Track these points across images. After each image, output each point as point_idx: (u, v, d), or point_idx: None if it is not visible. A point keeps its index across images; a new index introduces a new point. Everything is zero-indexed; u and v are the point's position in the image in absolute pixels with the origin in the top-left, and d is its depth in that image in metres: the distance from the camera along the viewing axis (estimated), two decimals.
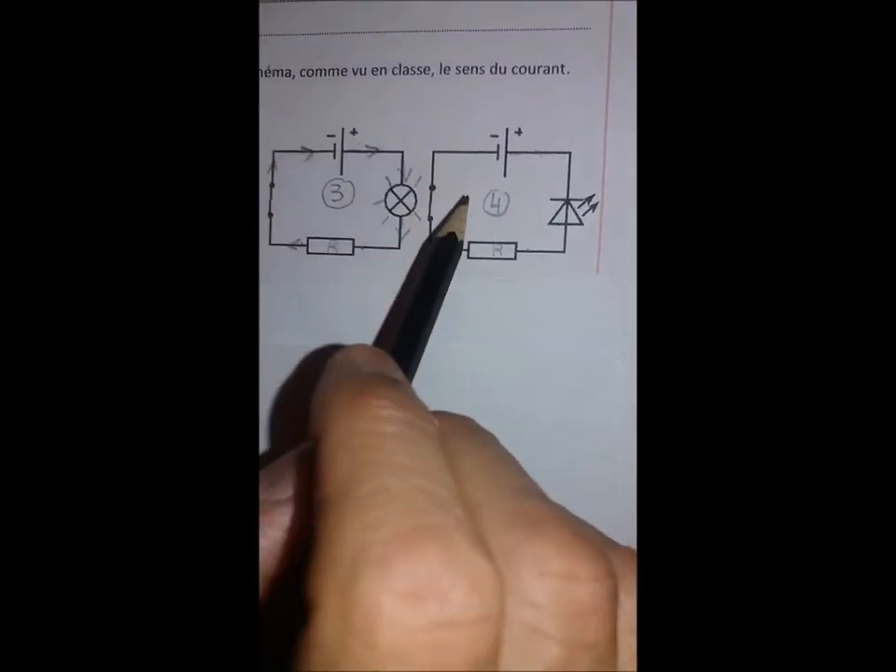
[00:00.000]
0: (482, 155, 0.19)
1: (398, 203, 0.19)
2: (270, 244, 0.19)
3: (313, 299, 0.19)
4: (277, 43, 0.19)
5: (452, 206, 0.19)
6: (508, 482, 0.11)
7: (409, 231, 0.19)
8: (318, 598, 0.09)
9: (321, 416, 0.11)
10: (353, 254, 0.19)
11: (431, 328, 0.17)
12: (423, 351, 0.16)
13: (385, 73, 0.19)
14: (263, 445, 0.20)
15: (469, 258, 0.19)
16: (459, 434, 0.12)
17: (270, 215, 0.19)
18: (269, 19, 0.19)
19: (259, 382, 0.19)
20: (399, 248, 0.19)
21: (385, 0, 0.19)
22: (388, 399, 0.11)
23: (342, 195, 0.19)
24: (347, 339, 0.19)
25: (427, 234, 0.19)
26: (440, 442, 0.11)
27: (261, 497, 0.12)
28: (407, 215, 0.19)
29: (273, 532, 0.12)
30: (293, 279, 0.19)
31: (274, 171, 0.19)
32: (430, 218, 0.19)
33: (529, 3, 0.18)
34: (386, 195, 0.19)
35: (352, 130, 0.19)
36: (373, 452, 0.10)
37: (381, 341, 0.19)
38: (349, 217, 0.19)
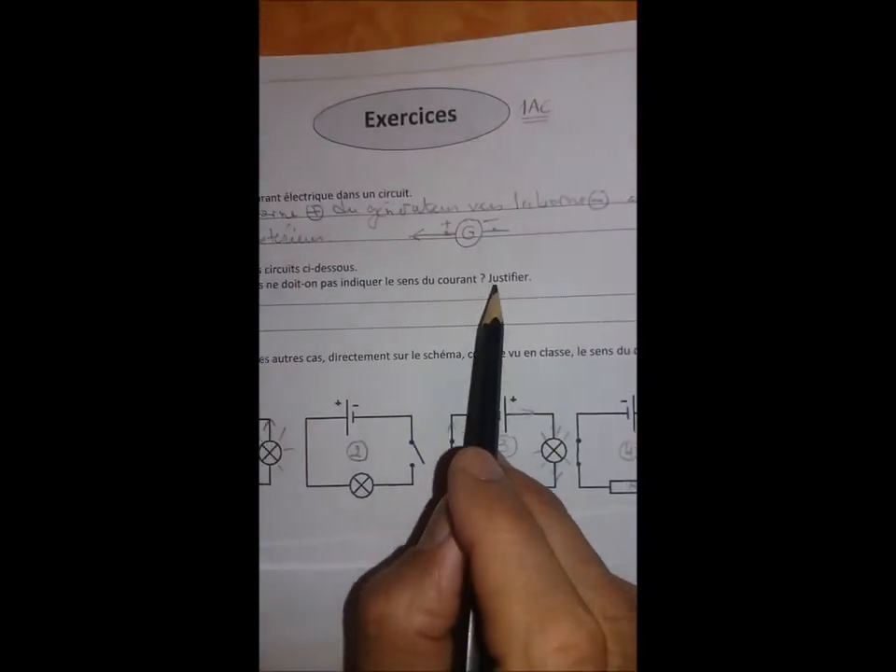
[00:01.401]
0: (615, 415, 0.25)
1: (551, 452, 0.25)
2: None
3: None
4: (452, 332, 0.26)
5: (595, 451, 0.25)
6: (577, 551, 0.19)
7: (562, 473, 0.25)
8: (504, 656, 0.16)
9: (468, 532, 0.18)
10: None
11: (499, 402, 0.23)
12: (498, 422, 0.23)
13: (535, 354, 0.25)
14: None
15: (611, 493, 0.25)
16: (546, 512, 0.19)
17: None
18: (446, 312, 0.26)
19: None
20: (555, 487, 0.25)
21: (532, 298, 0.25)
22: (510, 515, 0.17)
23: (507, 447, 0.25)
24: None
25: (576, 478, 0.25)
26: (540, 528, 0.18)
27: (426, 547, 0.19)
28: (559, 461, 0.25)
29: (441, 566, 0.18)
30: None
31: (452, 430, 0.25)
32: (579, 464, 0.25)
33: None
34: (542, 446, 0.25)
35: (512, 398, 0.25)
36: (514, 558, 0.17)
37: (470, 430, 0.25)
38: (514, 464, 0.25)
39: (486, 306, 0.25)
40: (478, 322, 0.26)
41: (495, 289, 0.25)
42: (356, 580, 0.25)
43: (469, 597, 0.18)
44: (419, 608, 0.18)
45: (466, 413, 0.25)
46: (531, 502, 0.19)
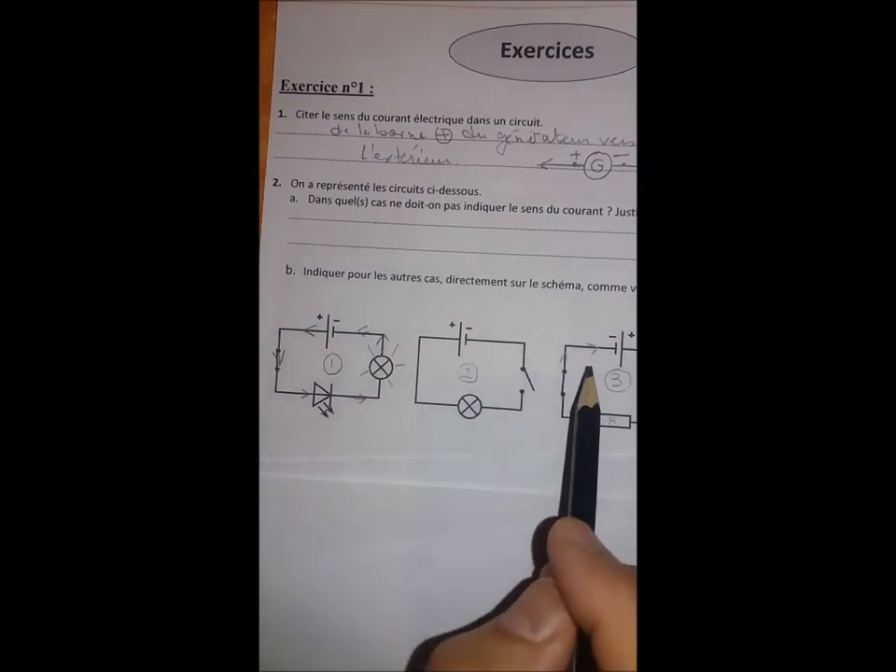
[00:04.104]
0: None
1: None
2: None
3: None
4: (573, 262, 0.26)
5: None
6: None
7: None
8: None
9: (590, 608, 0.17)
10: None
11: (596, 483, 0.22)
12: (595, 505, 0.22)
13: None
14: None
15: None
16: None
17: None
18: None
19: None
20: None
21: None
22: (633, 588, 0.17)
23: (621, 382, 0.25)
24: None
25: None
26: None
27: (527, 636, 0.17)
28: None
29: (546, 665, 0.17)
30: None
31: (565, 361, 0.25)
32: None
33: None
34: None
35: (630, 333, 0.25)
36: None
37: (565, 506, 0.23)
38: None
39: (580, 388, 0.25)
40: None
41: (589, 371, 0.25)
42: (456, 500, 0.25)
43: None
44: None
45: (580, 344, 0.25)
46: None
